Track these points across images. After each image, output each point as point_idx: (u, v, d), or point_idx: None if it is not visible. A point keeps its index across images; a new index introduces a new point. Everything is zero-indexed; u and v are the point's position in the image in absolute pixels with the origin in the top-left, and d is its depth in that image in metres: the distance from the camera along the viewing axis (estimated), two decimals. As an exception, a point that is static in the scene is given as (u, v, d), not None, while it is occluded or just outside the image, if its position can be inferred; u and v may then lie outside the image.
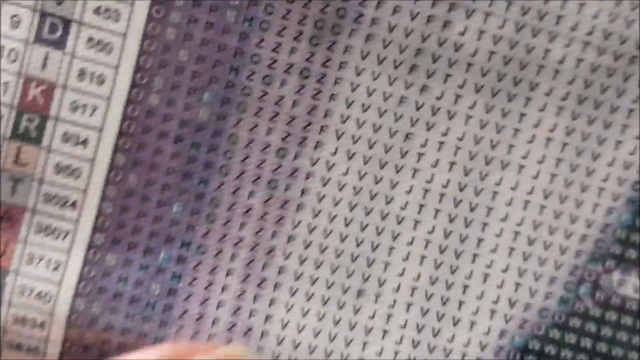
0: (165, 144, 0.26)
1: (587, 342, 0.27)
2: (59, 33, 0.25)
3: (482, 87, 0.26)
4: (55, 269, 0.26)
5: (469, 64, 0.26)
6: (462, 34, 0.26)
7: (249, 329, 0.27)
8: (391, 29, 0.25)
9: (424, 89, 0.26)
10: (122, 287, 0.26)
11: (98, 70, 0.25)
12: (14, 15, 0.25)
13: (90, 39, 0.25)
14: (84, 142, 0.26)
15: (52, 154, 0.26)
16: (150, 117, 0.26)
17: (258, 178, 0.27)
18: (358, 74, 0.26)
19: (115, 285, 0.26)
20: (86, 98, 0.25)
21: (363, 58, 0.26)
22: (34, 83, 0.25)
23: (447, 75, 0.26)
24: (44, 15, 0.25)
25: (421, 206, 0.27)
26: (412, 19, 0.26)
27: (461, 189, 0.27)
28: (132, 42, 0.25)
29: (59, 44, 0.25)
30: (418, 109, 0.26)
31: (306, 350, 0.27)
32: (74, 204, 0.26)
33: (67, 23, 0.25)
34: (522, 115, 0.26)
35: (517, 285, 0.27)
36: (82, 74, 0.25)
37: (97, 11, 0.25)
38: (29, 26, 0.25)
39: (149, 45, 0.25)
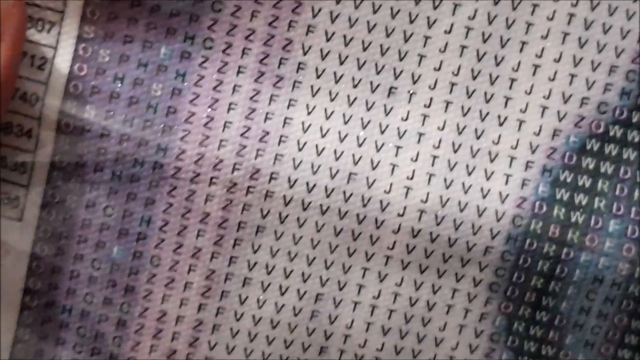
0: None
1: (653, 140, 0.25)
2: None
3: None
4: (41, 67, 0.24)
5: None
6: None
7: (266, 133, 0.24)
8: None
9: None
10: (118, 87, 0.24)
11: None
12: None
13: None
14: None
15: None
16: None
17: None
18: None
19: (110, 85, 0.24)
20: None
21: None
22: None
23: None
24: None
25: (461, -13, 0.24)
26: None
27: (507, -35, 0.24)
28: None
29: None
30: None
31: (332, 156, 0.25)
32: (57, -9, 0.23)
33: None
34: None
35: (572, 76, 0.25)
36: None
37: None
38: None
39: None
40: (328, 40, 0.24)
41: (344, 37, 0.24)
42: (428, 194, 0.25)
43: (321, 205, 0.25)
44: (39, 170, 0.24)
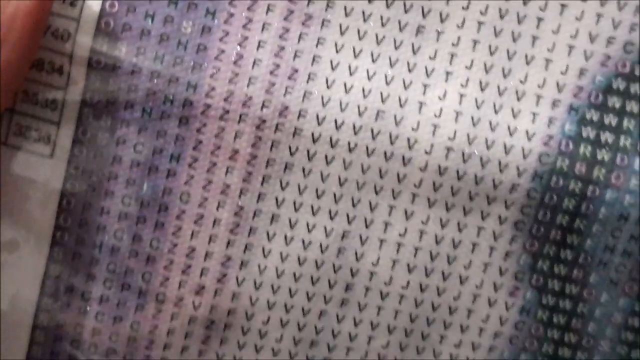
0: None
1: (678, 82, 0.25)
2: None
3: None
4: (72, 3, 0.24)
5: None
6: None
7: (295, 71, 0.25)
8: None
9: None
10: (149, 24, 0.24)
11: None
12: None
13: None
14: None
15: None
16: None
17: None
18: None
19: (141, 22, 0.24)
20: None
21: None
22: None
23: None
24: None
25: None
26: None
27: None
28: None
29: None
30: None
31: (360, 94, 0.25)
32: None
33: None
34: None
35: (599, 16, 0.25)
36: None
37: None
38: None
39: None
40: (357, -22, 0.24)
41: (372, -24, 0.24)
42: (455, 131, 0.25)
43: (349, 143, 0.25)
44: (70, 107, 0.25)
